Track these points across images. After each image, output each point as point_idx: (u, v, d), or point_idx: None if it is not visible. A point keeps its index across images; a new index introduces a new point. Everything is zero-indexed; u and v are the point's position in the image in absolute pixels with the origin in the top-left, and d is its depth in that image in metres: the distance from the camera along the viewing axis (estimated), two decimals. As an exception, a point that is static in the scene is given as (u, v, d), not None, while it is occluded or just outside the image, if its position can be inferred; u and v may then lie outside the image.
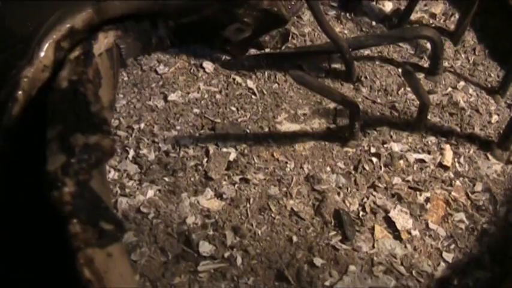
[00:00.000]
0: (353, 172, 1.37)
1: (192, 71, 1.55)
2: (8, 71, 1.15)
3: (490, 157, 1.41)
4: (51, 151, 0.98)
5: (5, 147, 1.13)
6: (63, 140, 0.99)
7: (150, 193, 1.31)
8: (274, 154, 1.39)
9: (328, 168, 1.37)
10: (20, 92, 1.12)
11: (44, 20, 1.25)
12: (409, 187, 1.34)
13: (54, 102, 1.07)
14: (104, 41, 1.32)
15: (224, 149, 1.39)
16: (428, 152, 1.40)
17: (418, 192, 1.33)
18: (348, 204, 1.31)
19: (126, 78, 1.51)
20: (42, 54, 1.17)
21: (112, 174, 1.32)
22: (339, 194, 1.33)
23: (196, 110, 1.47)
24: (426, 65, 1.59)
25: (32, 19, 1.35)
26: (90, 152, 0.99)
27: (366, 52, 1.61)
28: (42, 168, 0.96)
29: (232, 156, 1.38)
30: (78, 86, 1.10)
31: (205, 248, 1.22)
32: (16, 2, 1.32)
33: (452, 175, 1.37)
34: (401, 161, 1.38)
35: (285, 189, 1.33)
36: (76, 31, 1.23)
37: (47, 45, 1.18)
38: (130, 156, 1.36)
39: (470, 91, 1.54)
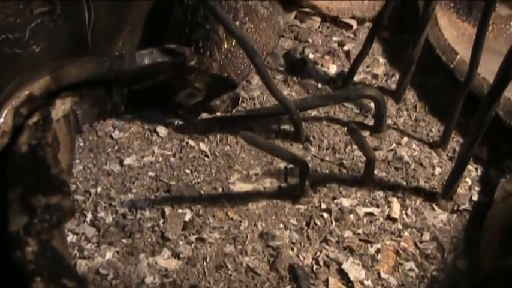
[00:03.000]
0: (305, 228, 1.41)
1: (146, 135, 1.60)
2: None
3: (436, 207, 1.47)
4: (13, 212, 1.00)
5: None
6: (24, 201, 1.02)
7: (109, 255, 1.32)
8: (229, 213, 1.43)
9: (281, 225, 1.41)
10: (-21, 157, 1.14)
11: (0, 89, 1.28)
12: (360, 239, 1.39)
13: (15, 166, 1.09)
14: (61, 107, 1.35)
15: (180, 210, 1.42)
16: (377, 206, 1.46)
17: (368, 244, 1.38)
18: (302, 259, 1.35)
19: (82, 144, 1.54)
20: (1, 120, 1.20)
21: (70, 238, 1.34)
22: (292, 249, 1.37)
23: (151, 173, 1.50)
24: (371, 123, 1.66)
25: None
26: (51, 212, 1.02)
27: (313, 113, 1.68)
28: (4, 229, 0.98)
29: (188, 216, 1.41)
30: (38, 149, 1.13)
31: (164, 306, 1.24)
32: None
33: (400, 226, 1.42)
34: (351, 215, 1.43)
35: (240, 246, 1.36)
36: (34, 98, 1.26)
37: (5, 111, 1.21)
38: (88, 219, 1.38)
39: (414, 146, 1.61)
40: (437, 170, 1.55)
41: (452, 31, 1.80)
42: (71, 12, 1.51)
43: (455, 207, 1.47)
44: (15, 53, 1.42)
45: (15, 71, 1.36)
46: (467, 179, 1.54)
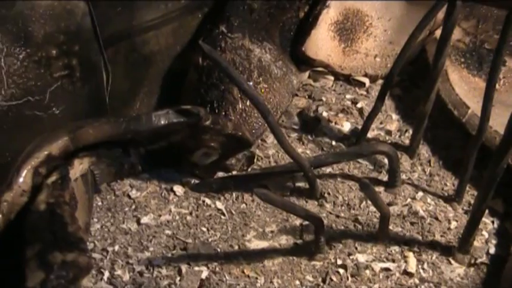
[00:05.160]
0: (321, 284, 1.41)
1: (163, 194, 1.62)
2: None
3: (452, 261, 1.47)
4: (31, 269, 1.02)
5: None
6: (41, 258, 1.04)
7: (126, 313, 1.33)
8: (245, 271, 1.43)
9: (298, 282, 1.41)
10: (-1, 216, 1.17)
11: (21, 149, 1.31)
12: (377, 295, 1.39)
13: (33, 223, 1.12)
14: (79, 167, 1.39)
15: (196, 268, 1.43)
16: (393, 261, 1.46)
17: (385, 299, 1.38)
18: (319, 315, 1.35)
19: (100, 203, 1.56)
20: (21, 179, 1.23)
21: (88, 296, 1.35)
22: (309, 305, 1.37)
23: (168, 232, 1.52)
24: (385, 178, 1.68)
25: (9, 150, 1.43)
26: (67, 269, 1.04)
27: (328, 170, 1.70)
28: (22, 285, 1.00)
29: (204, 274, 1.42)
30: (56, 207, 1.15)
31: None
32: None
33: (417, 281, 1.42)
34: (367, 271, 1.43)
35: (257, 303, 1.36)
36: (53, 158, 1.30)
37: (25, 171, 1.24)
38: (105, 277, 1.39)
39: (429, 200, 1.62)
40: (453, 224, 1.55)
41: (463, 86, 1.82)
42: (90, 75, 1.57)
43: (472, 261, 1.47)
44: (36, 115, 1.47)
45: (35, 132, 1.40)
46: (484, 232, 1.54)
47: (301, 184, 1.66)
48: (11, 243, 1.15)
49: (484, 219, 1.48)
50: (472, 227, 1.43)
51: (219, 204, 1.60)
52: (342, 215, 1.58)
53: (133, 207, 1.57)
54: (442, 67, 1.59)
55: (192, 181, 1.66)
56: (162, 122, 1.49)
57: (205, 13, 1.85)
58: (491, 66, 1.39)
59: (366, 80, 2.00)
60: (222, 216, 1.57)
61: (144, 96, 1.79)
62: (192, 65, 1.80)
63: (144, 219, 1.54)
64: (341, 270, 1.43)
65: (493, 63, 1.38)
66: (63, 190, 1.23)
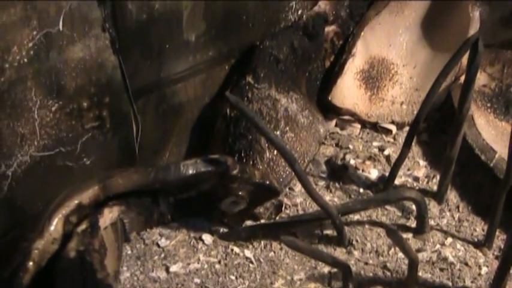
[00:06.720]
0: (351, 331, 1.40)
1: (192, 243, 1.63)
2: (20, 243, 1.23)
3: (483, 308, 1.45)
4: (61, 315, 1.04)
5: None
6: (71, 304, 1.05)
7: None
8: (274, 318, 1.43)
9: (327, 329, 1.41)
10: (30, 263, 1.19)
11: (52, 198, 1.35)
12: None
13: (63, 270, 1.14)
14: (109, 216, 1.41)
15: (225, 316, 1.43)
16: (423, 307, 1.45)
17: None
18: None
19: (129, 252, 1.58)
20: (52, 228, 1.26)
21: None
22: None
23: (197, 280, 1.52)
24: (413, 225, 1.67)
25: (40, 199, 1.46)
26: (96, 316, 1.05)
27: (356, 217, 1.70)
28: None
29: (234, 322, 1.42)
30: (85, 255, 1.17)
31: None
32: (26, 184, 1.43)
33: (448, 328, 1.40)
34: (397, 318, 1.42)
35: None
36: (83, 207, 1.33)
37: (56, 219, 1.27)
38: (134, 325, 1.40)
39: (458, 246, 1.61)
40: (484, 270, 1.53)
41: (490, 130, 1.82)
42: (120, 126, 1.60)
43: (503, 307, 1.44)
44: (67, 165, 1.50)
45: (66, 182, 1.43)
46: (515, 277, 1.52)
47: (329, 232, 1.66)
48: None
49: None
50: (503, 272, 1.41)
51: (248, 253, 1.61)
52: (371, 262, 1.57)
53: (163, 255, 1.59)
54: (467, 112, 1.60)
55: (221, 230, 1.67)
56: (191, 171, 1.51)
57: (232, 64, 1.89)
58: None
59: (393, 127, 2.02)
60: (251, 265, 1.57)
61: (173, 146, 1.82)
62: (220, 115, 1.84)
63: (173, 268, 1.55)
64: (371, 317, 1.43)
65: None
66: (92, 238, 1.26)
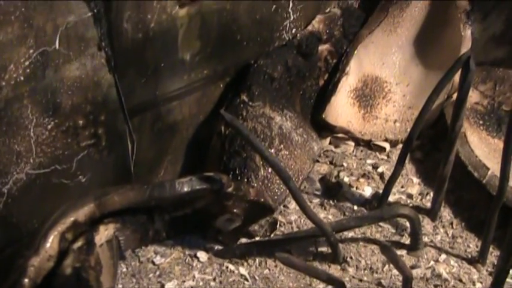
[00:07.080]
0: None
1: (187, 260, 1.63)
2: (16, 260, 1.24)
3: (478, 324, 1.46)
4: (56, 331, 1.04)
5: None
6: (67, 321, 1.05)
7: None
8: (269, 336, 1.43)
9: None
10: (26, 280, 1.19)
11: (48, 216, 1.35)
12: None
13: (59, 287, 1.14)
14: (104, 233, 1.41)
15: (220, 333, 1.43)
16: (418, 324, 1.45)
17: None
18: None
19: (124, 270, 1.58)
20: (47, 245, 1.26)
21: None
22: None
23: (192, 298, 1.53)
24: (408, 241, 1.68)
25: (36, 216, 1.47)
26: (92, 332, 1.05)
27: (350, 234, 1.70)
28: None
29: None
30: (81, 272, 1.17)
31: None
32: (22, 202, 1.43)
33: None
34: (390, 334, 1.43)
35: None
36: (79, 224, 1.33)
37: (52, 236, 1.27)
38: None
39: (452, 262, 1.61)
40: (478, 286, 1.54)
41: (483, 147, 1.84)
42: (116, 144, 1.61)
43: (498, 323, 1.45)
44: (63, 183, 1.51)
45: (62, 200, 1.44)
46: (509, 293, 1.53)
47: (323, 249, 1.67)
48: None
49: (508, 279, 1.46)
50: (496, 289, 1.42)
51: (243, 270, 1.61)
52: (365, 278, 1.58)
53: (158, 273, 1.59)
54: (459, 129, 1.62)
55: (216, 247, 1.67)
56: (186, 189, 1.51)
57: (227, 83, 1.91)
58: (507, 127, 1.41)
59: (387, 145, 2.03)
60: (246, 282, 1.58)
61: (168, 164, 1.83)
62: (215, 133, 1.85)
63: (168, 285, 1.55)
64: (365, 334, 1.43)
65: (509, 124, 1.40)
66: (88, 255, 1.26)
